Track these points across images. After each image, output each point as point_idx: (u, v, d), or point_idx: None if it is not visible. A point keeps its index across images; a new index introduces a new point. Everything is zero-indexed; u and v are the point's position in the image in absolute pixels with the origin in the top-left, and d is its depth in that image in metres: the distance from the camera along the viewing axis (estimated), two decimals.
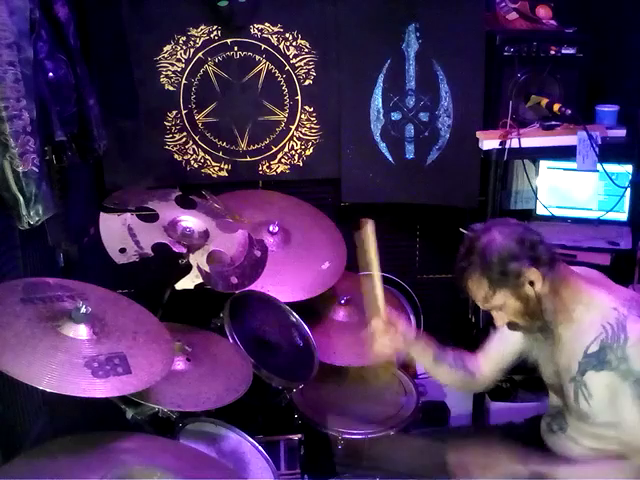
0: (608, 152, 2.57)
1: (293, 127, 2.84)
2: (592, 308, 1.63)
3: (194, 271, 2.14)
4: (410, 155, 2.83)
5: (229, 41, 2.70)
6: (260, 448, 1.99)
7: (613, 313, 1.59)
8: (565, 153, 2.62)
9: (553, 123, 2.61)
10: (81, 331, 1.59)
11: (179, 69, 2.71)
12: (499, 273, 1.60)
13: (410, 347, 1.90)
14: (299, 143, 2.86)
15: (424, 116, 2.77)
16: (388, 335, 1.84)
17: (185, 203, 2.42)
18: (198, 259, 2.19)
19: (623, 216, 2.75)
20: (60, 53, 2.03)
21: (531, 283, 1.61)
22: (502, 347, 1.93)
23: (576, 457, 1.71)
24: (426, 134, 2.79)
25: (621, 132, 2.67)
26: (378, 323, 1.85)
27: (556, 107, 2.56)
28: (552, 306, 1.64)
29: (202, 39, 2.69)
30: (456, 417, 2.85)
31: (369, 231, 1.85)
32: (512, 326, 1.71)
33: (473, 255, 1.63)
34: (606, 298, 1.63)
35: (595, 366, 1.59)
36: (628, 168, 2.66)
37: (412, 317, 2.99)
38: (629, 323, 1.56)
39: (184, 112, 2.76)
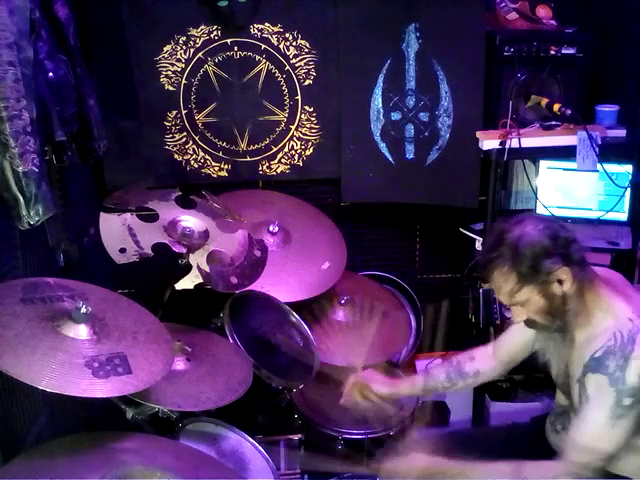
0: (608, 152, 2.57)
1: (293, 127, 2.84)
2: (609, 315, 1.61)
3: (194, 271, 2.14)
4: (410, 155, 2.83)
5: (229, 41, 2.70)
6: (260, 448, 1.99)
7: (628, 324, 1.57)
8: (565, 153, 2.62)
9: (553, 123, 2.61)
10: (81, 331, 1.59)
11: (179, 69, 2.71)
12: (530, 268, 1.56)
13: (393, 396, 2.04)
14: (299, 143, 2.86)
15: (424, 116, 2.77)
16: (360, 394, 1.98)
17: (185, 203, 2.42)
18: (198, 259, 2.18)
19: (623, 216, 2.75)
20: (60, 53, 2.03)
21: (559, 282, 1.58)
22: (518, 340, 1.91)
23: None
24: (426, 134, 2.79)
25: (621, 132, 2.68)
26: (354, 380, 2.00)
27: (556, 107, 2.56)
28: (575, 307, 1.62)
29: (202, 39, 2.69)
30: (456, 417, 2.85)
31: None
32: (530, 323, 1.69)
33: (503, 246, 1.59)
34: (625, 308, 1.61)
35: (594, 369, 1.58)
36: (628, 168, 2.66)
37: (412, 317, 2.99)
38: (639, 338, 1.55)
39: (184, 112, 2.76)
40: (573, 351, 1.68)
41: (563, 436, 1.78)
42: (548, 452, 1.81)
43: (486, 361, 1.99)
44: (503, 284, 1.61)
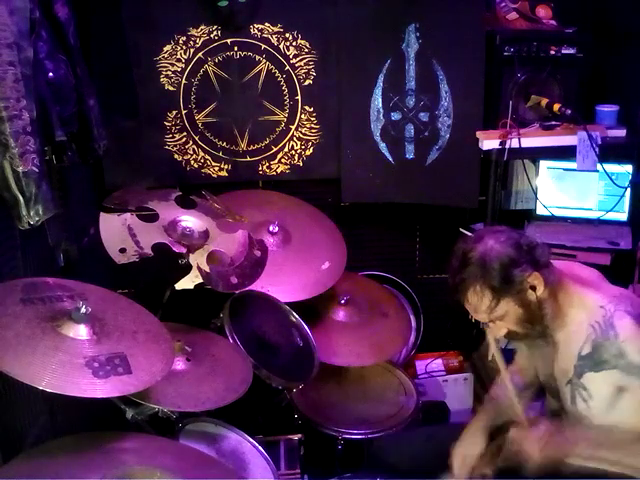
0: (608, 152, 2.57)
1: (293, 127, 2.84)
2: (581, 310, 1.62)
3: (194, 271, 2.14)
4: (410, 155, 2.83)
5: (229, 41, 2.70)
6: (260, 448, 1.99)
7: (600, 312, 1.59)
8: (565, 153, 2.62)
9: (553, 123, 2.61)
10: (81, 331, 1.59)
11: (179, 69, 2.71)
12: (502, 281, 1.57)
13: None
14: (299, 143, 2.86)
15: (424, 116, 2.77)
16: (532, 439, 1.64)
17: (185, 203, 2.42)
18: (198, 259, 2.18)
19: (623, 216, 2.75)
20: (60, 53, 2.03)
21: (532, 288, 1.59)
22: (525, 363, 1.92)
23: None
24: (426, 134, 2.79)
25: (621, 132, 2.67)
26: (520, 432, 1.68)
27: (556, 107, 2.56)
28: (551, 311, 1.63)
29: (202, 39, 2.69)
30: (456, 417, 2.85)
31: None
32: (511, 336, 1.69)
33: (471, 266, 1.59)
34: (593, 297, 1.63)
35: (593, 367, 1.58)
36: (628, 168, 2.66)
37: (412, 317, 2.99)
38: (616, 320, 1.56)
39: (184, 112, 2.76)
40: (557, 354, 1.68)
41: None
42: None
43: (519, 383, 1.92)
44: (479, 303, 1.61)
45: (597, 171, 2.61)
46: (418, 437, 2.13)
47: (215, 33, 2.69)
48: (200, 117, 2.78)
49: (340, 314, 2.58)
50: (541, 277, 1.59)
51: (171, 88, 2.73)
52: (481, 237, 1.63)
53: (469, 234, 1.69)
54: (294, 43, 2.73)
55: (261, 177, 2.90)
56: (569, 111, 2.52)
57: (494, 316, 1.63)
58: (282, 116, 2.82)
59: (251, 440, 2.00)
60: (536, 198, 2.84)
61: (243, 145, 2.83)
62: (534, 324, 1.64)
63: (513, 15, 2.79)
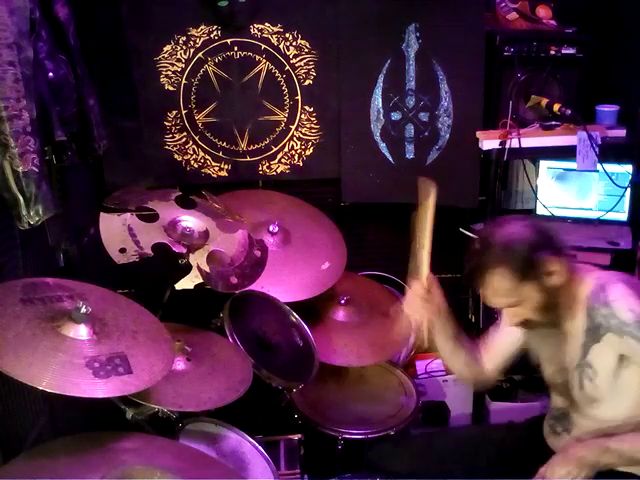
0: (608, 152, 2.57)
1: (293, 127, 2.84)
2: (583, 291, 1.63)
3: (194, 271, 2.14)
4: (410, 155, 2.83)
5: (229, 41, 2.70)
6: (260, 448, 1.99)
7: (594, 282, 1.61)
8: (565, 153, 2.62)
9: (553, 123, 2.61)
10: (81, 331, 1.59)
11: (179, 69, 2.71)
12: (525, 264, 1.57)
13: (439, 319, 1.83)
14: (299, 143, 2.86)
15: (424, 116, 2.77)
16: (424, 301, 1.80)
17: (185, 203, 2.42)
18: (198, 259, 2.18)
19: (623, 216, 2.75)
20: (60, 53, 2.03)
21: (551, 274, 1.60)
22: (503, 345, 1.92)
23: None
24: (426, 134, 2.79)
25: (621, 132, 2.67)
26: (418, 287, 1.82)
27: (556, 107, 2.56)
28: (565, 300, 1.64)
29: (202, 39, 2.69)
30: (456, 417, 2.85)
31: (432, 198, 1.82)
32: (524, 324, 1.69)
33: (493, 249, 1.60)
34: (592, 275, 1.65)
35: (594, 339, 1.60)
36: (628, 168, 2.66)
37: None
38: (609, 285, 1.59)
39: (184, 112, 2.76)
40: (567, 344, 1.68)
41: (565, 437, 1.78)
42: (544, 452, 1.82)
43: (485, 363, 1.97)
44: (499, 285, 1.61)
45: (597, 171, 2.61)
46: (418, 438, 2.14)
47: (215, 33, 2.69)
48: (200, 117, 2.78)
49: (340, 314, 2.58)
50: (561, 263, 1.60)
51: (171, 88, 2.73)
52: (502, 223, 1.66)
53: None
54: (294, 43, 2.73)
55: (261, 177, 2.90)
56: (569, 111, 2.52)
57: (512, 301, 1.63)
58: (282, 116, 2.82)
59: (251, 440, 2.00)
60: (536, 198, 2.84)
61: (243, 145, 2.83)
62: (549, 312, 1.65)
63: (513, 15, 2.79)
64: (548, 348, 1.79)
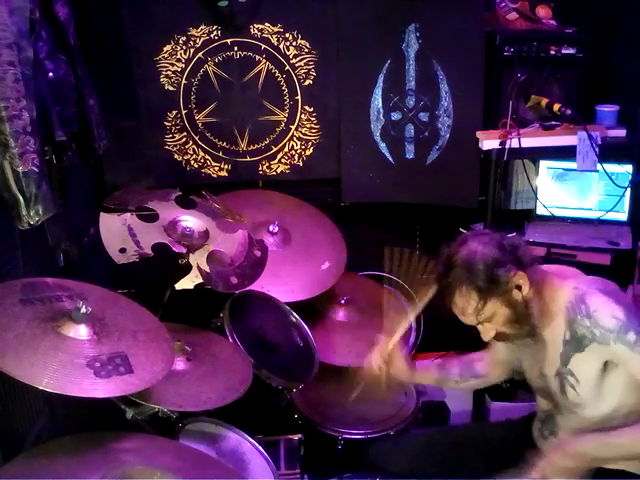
0: (608, 152, 2.57)
1: (293, 127, 2.84)
2: (560, 300, 1.64)
3: (194, 271, 2.14)
4: (410, 155, 2.83)
5: (229, 41, 2.70)
6: (260, 448, 1.99)
7: (572, 292, 1.62)
8: (565, 153, 2.62)
9: (553, 123, 2.61)
10: (81, 331, 1.59)
11: (179, 69, 2.71)
12: (487, 281, 1.58)
13: (402, 378, 1.98)
14: (299, 143, 2.86)
15: (424, 116, 2.77)
16: (384, 362, 1.92)
17: (185, 203, 2.42)
18: (198, 259, 2.18)
19: (623, 216, 2.75)
20: (60, 53, 2.03)
21: (518, 287, 1.61)
22: (501, 352, 1.93)
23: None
24: (426, 134, 2.79)
25: (621, 132, 2.67)
26: (382, 349, 1.93)
27: (556, 107, 2.56)
28: (537, 309, 1.65)
29: (202, 39, 2.69)
30: (456, 417, 2.85)
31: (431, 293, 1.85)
32: (500, 337, 1.70)
33: (456, 269, 1.61)
34: (569, 284, 1.66)
35: (576, 349, 1.61)
36: (628, 168, 2.66)
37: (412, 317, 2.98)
38: (587, 296, 1.59)
39: (184, 112, 2.76)
40: (546, 351, 1.70)
41: (552, 441, 1.78)
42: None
43: (491, 367, 2.00)
44: (466, 305, 1.63)
45: (597, 171, 2.61)
46: (418, 438, 2.14)
47: (215, 33, 2.69)
48: (200, 117, 2.78)
49: (340, 314, 2.58)
50: (526, 276, 1.61)
51: (171, 88, 2.73)
52: (464, 241, 1.66)
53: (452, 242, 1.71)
54: (294, 43, 2.73)
55: (261, 177, 2.90)
56: (569, 111, 2.52)
57: (482, 318, 1.64)
58: (282, 116, 2.82)
59: (251, 440, 2.00)
60: (536, 198, 2.84)
61: (243, 145, 2.83)
62: (522, 324, 1.66)
63: (513, 15, 2.79)
64: (527, 356, 1.81)
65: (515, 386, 2.90)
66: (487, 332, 1.68)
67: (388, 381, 1.95)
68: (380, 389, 1.96)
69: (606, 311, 1.56)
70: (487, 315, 1.63)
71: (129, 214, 2.22)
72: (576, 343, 1.61)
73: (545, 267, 1.75)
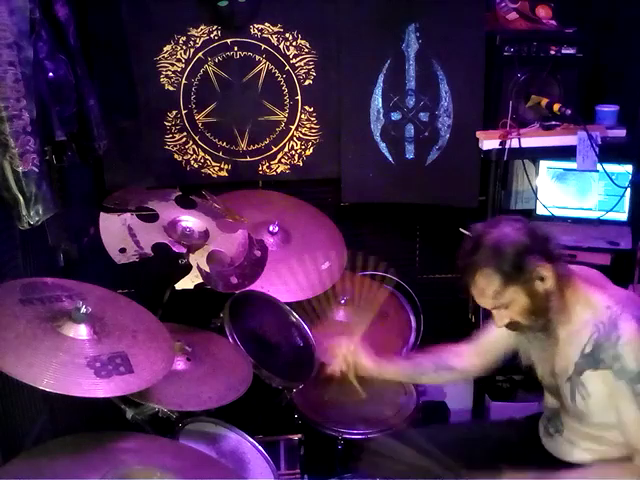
0: (608, 152, 2.57)
1: (293, 127, 2.84)
2: (587, 308, 1.62)
3: (194, 271, 2.14)
4: (410, 155, 2.83)
5: (229, 41, 2.70)
6: (260, 448, 1.99)
7: (606, 312, 1.58)
8: (565, 153, 2.63)
9: (553, 123, 2.61)
10: (81, 331, 1.59)
11: (179, 69, 2.71)
12: (513, 267, 1.56)
13: (378, 377, 1.98)
14: (299, 143, 2.86)
15: (424, 116, 2.77)
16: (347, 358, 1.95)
17: (185, 203, 2.42)
18: (198, 259, 2.18)
19: (623, 216, 2.75)
20: (60, 53, 2.03)
21: (541, 279, 1.59)
22: (493, 343, 1.92)
23: (576, 463, 1.70)
24: (426, 134, 2.79)
25: (621, 132, 2.67)
26: (346, 345, 1.97)
27: (556, 107, 2.56)
28: (557, 305, 1.62)
29: (202, 39, 2.69)
30: (456, 417, 2.85)
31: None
32: (513, 326, 1.69)
33: (484, 249, 1.58)
34: (601, 297, 1.63)
35: (592, 365, 1.59)
36: (628, 168, 2.66)
37: (412, 317, 2.99)
38: (621, 321, 1.56)
39: (184, 112, 2.76)
40: (557, 349, 1.68)
41: (558, 439, 1.79)
42: (543, 450, 1.83)
43: (471, 359, 1.98)
44: (487, 286, 1.60)
45: (597, 171, 2.61)
46: (418, 436, 2.14)
47: (215, 33, 2.69)
48: (200, 117, 2.78)
49: (340, 314, 2.58)
50: (551, 269, 1.59)
51: (171, 88, 2.73)
52: (497, 223, 1.64)
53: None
54: (294, 43, 2.73)
55: (261, 177, 2.90)
56: (569, 111, 2.52)
57: (499, 303, 1.62)
58: (282, 116, 2.82)
59: (251, 440, 2.00)
60: (536, 198, 2.84)
61: (243, 145, 2.83)
62: (538, 316, 1.63)
63: (513, 15, 2.79)
64: (538, 351, 1.79)
65: (515, 386, 2.90)
66: (502, 319, 1.66)
67: (357, 378, 1.98)
68: (354, 387, 1.99)
69: (633, 349, 1.53)
70: (505, 301, 1.61)
71: (129, 214, 2.22)
72: (593, 360, 1.58)
73: (571, 266, 1.72)
